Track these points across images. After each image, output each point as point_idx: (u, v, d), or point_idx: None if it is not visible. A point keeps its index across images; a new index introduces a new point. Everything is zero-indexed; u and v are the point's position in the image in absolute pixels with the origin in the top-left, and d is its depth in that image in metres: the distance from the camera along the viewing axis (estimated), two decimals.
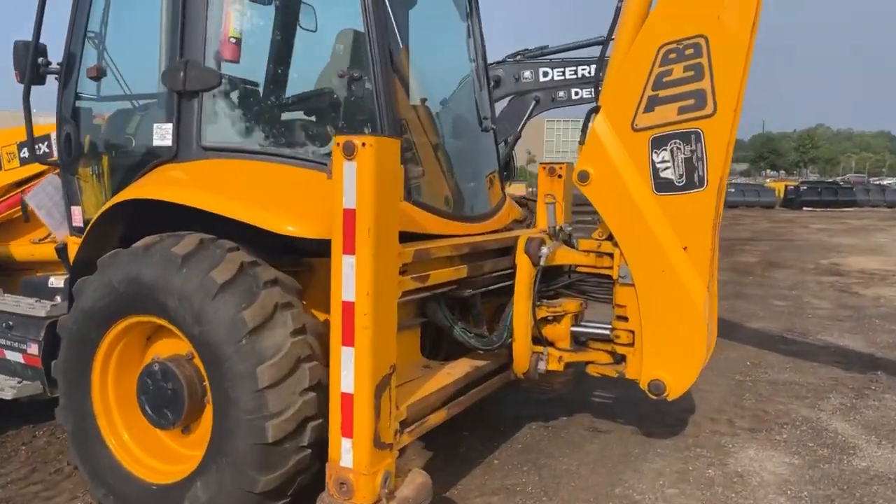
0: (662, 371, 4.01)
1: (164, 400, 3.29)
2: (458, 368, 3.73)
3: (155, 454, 3.46)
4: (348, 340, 2.80)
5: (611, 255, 4.16)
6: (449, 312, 3.73)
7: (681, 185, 3.91)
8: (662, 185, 3.94)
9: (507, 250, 4.16)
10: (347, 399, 2.83)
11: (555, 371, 4.30)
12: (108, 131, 4.06)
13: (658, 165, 3.96)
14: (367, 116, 3.52)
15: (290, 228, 3.10)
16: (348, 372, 2.82)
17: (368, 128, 3.54)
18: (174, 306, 3.12)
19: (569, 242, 4.51)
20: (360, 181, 2.73)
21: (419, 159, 4.13)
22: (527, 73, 11.07)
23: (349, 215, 2.76)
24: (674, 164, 3.93)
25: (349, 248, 2.77)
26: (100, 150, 4.02)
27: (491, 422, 4.97)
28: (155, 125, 3.63)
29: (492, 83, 11.67)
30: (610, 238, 4.17)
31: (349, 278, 2.78)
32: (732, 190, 41.59)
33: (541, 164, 4.91)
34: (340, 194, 2.77)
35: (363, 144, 2.72)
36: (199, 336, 3.08)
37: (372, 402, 2.81)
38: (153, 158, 3.63)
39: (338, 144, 2.76)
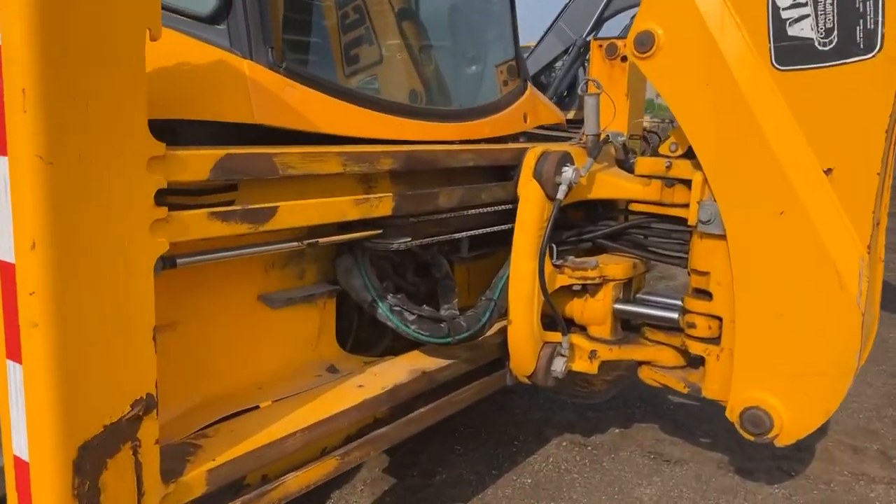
0: (770, 393, 2.23)
1: None
2: (386, 375, 2.12)
3: None
4: (13, 350, 1.26)
5: (687, 185, 2.36)
6: (374, 277, 2.10)
7: (828, 47, 2.02)
8: (791, 52, 2.08)
9: (506, 172, 2.46)
10: (22, 470, 1.31)
11: (584, 373, 2.62)
12: None
13: (784, 14, 2.08)
14: None
15: None
16: (17, 418, 1.29)
17: None
18: None
19: (623, 163, 2.73)
20: None
21: (374, 35, 2.47)
22: None
23: None
24: (816, 10, 2.03)
25: None
26: None
27: (500, 433, 3.35)
28: None
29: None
30: (689, 155, 2.37)
31: (2, 213, 1.22)
32: None
33: (593, 39, 3.09)
34: None
35: None
36: None
37: (68, 478, 1.28)
38: None
39: None
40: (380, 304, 2.08)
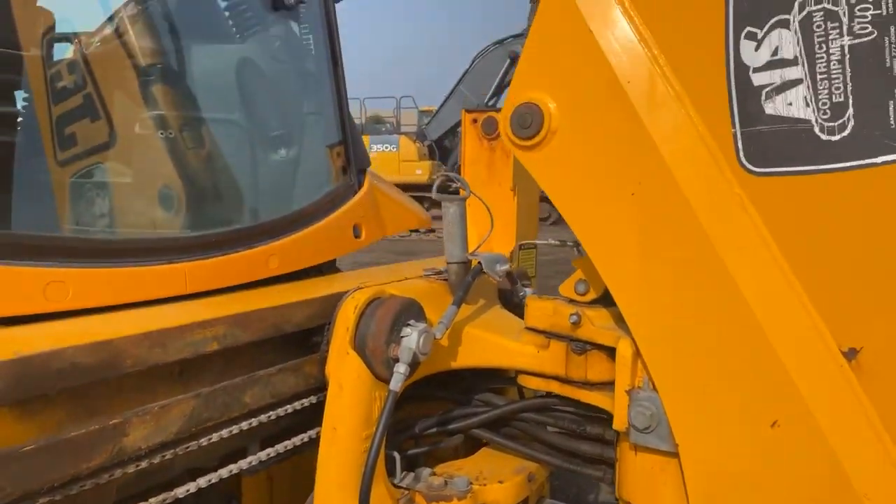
0: None
1: None
2: None
3: None
4: None
5: (608, 353, 1.41)
6: None
7: (837, 136, 1.14)
8: (772, 143, 1.18)
9: (307, 338, 1.45)
10: None
11: None
12: None
13: (757, 77, 1.19)
14: None
15: None
16: None
17: None
18: None
19: (509, 296, 1.79)
20: None
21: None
22: None
23: None
24: (813, 72, 1.16)
25: None
26: None
27: None
28: None
29: None
30: (609, 300, 1.44)
31: None
32: None
33: (465, 111, 2.19)
34: None
35: None
36: None
37: None
38: None
39: None
40: None
